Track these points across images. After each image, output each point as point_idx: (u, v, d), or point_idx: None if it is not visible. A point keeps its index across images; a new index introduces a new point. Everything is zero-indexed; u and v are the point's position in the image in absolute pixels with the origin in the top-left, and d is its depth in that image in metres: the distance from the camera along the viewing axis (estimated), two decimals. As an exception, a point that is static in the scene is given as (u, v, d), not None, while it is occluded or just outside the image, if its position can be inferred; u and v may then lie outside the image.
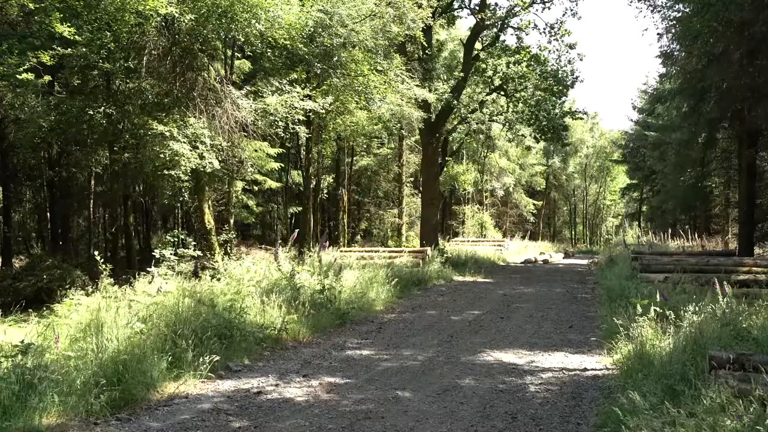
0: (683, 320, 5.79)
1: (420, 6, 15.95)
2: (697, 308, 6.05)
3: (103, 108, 11.80)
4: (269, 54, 13.53)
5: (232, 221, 16.87)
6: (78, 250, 19.55)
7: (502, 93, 23.14)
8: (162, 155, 10.94)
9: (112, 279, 6.86)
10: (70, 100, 12.11)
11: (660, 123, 30.29)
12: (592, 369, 6.29)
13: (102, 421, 4.54)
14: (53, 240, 18.46)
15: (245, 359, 6.45)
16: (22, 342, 5.29)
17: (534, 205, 44.94)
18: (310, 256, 12.04)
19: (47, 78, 11.39)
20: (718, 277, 8.07)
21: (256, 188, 22.04)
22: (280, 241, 12.10)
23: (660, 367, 5.01)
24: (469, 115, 24.30)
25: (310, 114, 14.01)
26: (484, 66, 22.20)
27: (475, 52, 22.22)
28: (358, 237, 30.43)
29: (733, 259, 11.90)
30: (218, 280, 8.68)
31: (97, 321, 5.80)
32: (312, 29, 12.73)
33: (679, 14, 14.62)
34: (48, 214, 19.85)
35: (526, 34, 22.34)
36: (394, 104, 16.06)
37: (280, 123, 12.86)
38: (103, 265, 6.76)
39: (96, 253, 7.30)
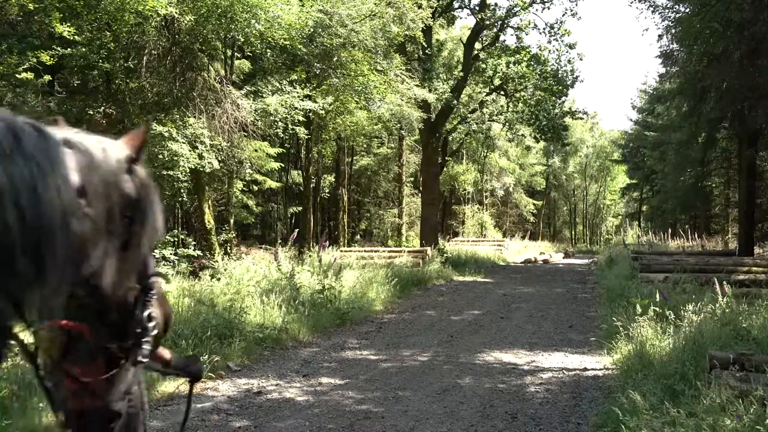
0: (683, 320, 5.80)
1: (420, 6, 15.94)
2: (696, 308, 6.05)
3: (103, 108, 11.79)
4: (269, 54, 13.52)
5: (232, 221, 16.86)
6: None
7: (502, 93, 23.15)
8: (161, 156, 10.93)
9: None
10: (71, 100, 12.10)
11: (660, 123, 30.29)
12: (592, 369, 6.29)
13: (102, 421, 4.53)
14: (53, 240, 18.45)
15: (245, 359, 6.45)
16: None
17: (534, 205, 44.92)
18: (310, 256, 12.04)
19: (47, 78, 11.37)
20: (718, 277, 8.07)
21: (256, 188, 22.03)
22: (280, 241, 12.09)
23: (660, 367, 5.01)
24: (469, 115, 24.32)
25: (310, 114, 14.01)
26: (484, 66, 22.21)
27: (475, 51, 22.23)
28: (358, 237, 30.41)
29: (733, 259, 11.90)
30: (218, 279, 8.69)
31: (97, 321, 5.80)
32: (312, 29, 12.72)
33: (679, 14, 14.61)
34: (48, 214, 19.83)
35: (526, 34, 22.38)
36: (394, 104, 16.05)
37: (280, 123, 12.85)
38: None
39: None
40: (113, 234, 1.38)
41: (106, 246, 1.36)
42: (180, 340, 5.91)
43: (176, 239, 10.48)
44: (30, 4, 9.58)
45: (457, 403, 5.07)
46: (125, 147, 1.49)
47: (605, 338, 7.11)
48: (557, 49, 21.99)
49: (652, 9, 15.50)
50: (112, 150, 1.43)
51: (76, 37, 10.25)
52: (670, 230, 24.56)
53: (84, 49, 10.73)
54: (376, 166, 31.39)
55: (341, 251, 15.14)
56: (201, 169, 11.66)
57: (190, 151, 11.07)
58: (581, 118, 30.33)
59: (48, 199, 1.03)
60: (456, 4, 22.82)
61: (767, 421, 3.24)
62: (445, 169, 27.95)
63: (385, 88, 15.16)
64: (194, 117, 11.63)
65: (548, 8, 28.73)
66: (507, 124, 23.90)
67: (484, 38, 23.15)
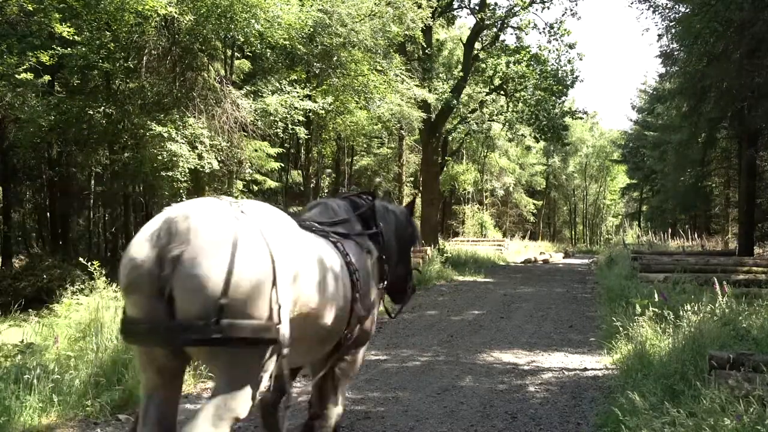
0: (683, 320, 5.79)
1: (420, 6, 15.93)
2: (696, 308, 6.04)
3: (103, 108, 11.77)
4: (269, 54, 13.51)
5: (232, 221, 16.82)
6: (78, 250, 19.53)
7: (502, 93, 23.16)
8: (160, 156, 10.92)
9: (105, 278, 6.86)
10: (70, 100, 12.07)
11: (660, 123, 30.29)
12: (592, 369, 6.29)
13: (102, 421, 4.53)
14: (53, 240, 18.44)
15: (245, 359, 6.43)
16: (22, 342, 5.30)
17: (534, 204, 44.93)
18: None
19: (47, 78, 11.36)
20: (718, 276, 8.07)
21: (256, 188, 22.03)
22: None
23: (659, 367, 5.01)
24: (469, 115, 24.33)
25: (310, 114, 14.00)
26: (483, 66, 22.22)
27: (475, 51, 22.23)
28: (358, 237, 30.37)
29: (733, 259, 11.89)
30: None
31: (97, 321, 5.80)
32: (311, 29, 12.71)
33: (679, 14, 14.60)
34: (48, 214, 19.83)
35: (526, 34, 22.41)
36: (394, 104, 16.04)
37: (280, 123, 12.84)
38: (94, 268, 6.72)
39: (81, 258, 7.31)
40: (405, 251, 4.03)
41: (402, 254, 3.96)
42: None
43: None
44: (30, 5, 9.58)
45: (457, 403, 5.07)
46: (407, 208, 4.23)
47: (605, 338, 7.11)
48: (557, 49, 22.01)
49: (652, 9, 15.50)
50: (403, 210, 4.13)
51: (75, 37, 10.25)
52: (670, 230, 24.56)
53: (84, 49, 10.73)
54: (376, 166, 31.38)
55: (341, 251, 15.05)
56: (201, 170, 11.66)
57: (189, 151, 11.06)
58: (581, 118, 30.34)
59: (399, 232, 3.95)
60: (456, 4, 22.83)
61: (767, 421, 3.24)
62: (445, 169, 27.93)
63: (385, 88, 15.15)
64: (194, 117, 11.62)
65: (548, 8, 28.74)
66: (507, 124, 23.90)
67: (484, 38, 23.15)
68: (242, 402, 2.39)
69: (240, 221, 2.33)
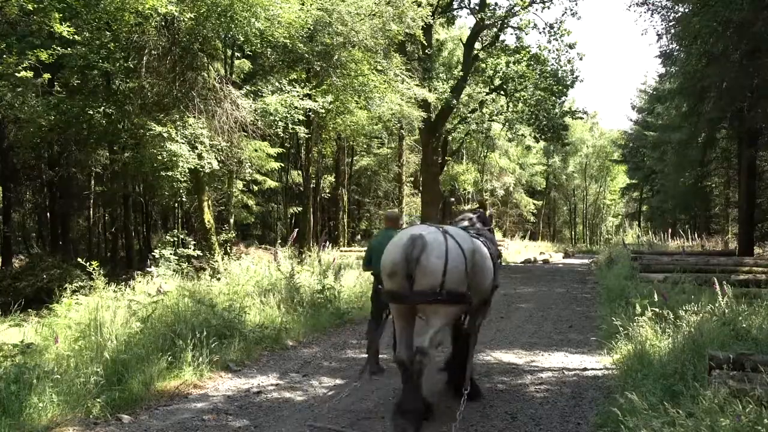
0: (682, 320, 5.79)
1: (419, 5, 15.92)
2: (696, 308, 6.04)
3: (102, 108, 11.77)
4: (269, 53, 13.51)
5: (232, 221, 16.86)
6: (78, 250, 19.54)
7: (502, 93, 23.16)
8: (160, 156, 10.92)
9: (105, 278, 6.85)
10: (70, 99, 12.06)
11: (660, 123, 30.27)
12: (591, 369, 6.29)
13: (102, 421, 4.54)
14: (53, 240, 18.46)
15: (245, 359, 6.45)
16: (22, 342, 5.30)
17: (534, 204, 44.89)
18: (309, 256, 12.05)
19: (46, 76, 11.35)
20: (717, 277, 8.04)
21: (255, 188, 22.05)
22: (279, 241, 12.07)
23: (659, 367, 5.01)
24: (469, 115, 24.33)
25: (310, 113, 13.99)
26: (483, 65, 22.22)
27: (475, 51, 22.23)
28: (358, 237, 30.41)
29: (733, 259, 11.87)
30: (218, 279, 8.69)
31: (96, 321, 5.80)
32: (312, 27, 12.71)
33: (679, 14, 14.59)
34: (48, 214, 19.85)
35: (526, 34, 22.42)
36: (394, 104, 16.03)
37: (280, 123, 12.82)
38: (93, 268, 6.70)
39: (79, 259, 7.31)
40: (495, 257, 5.28)
41: (496, 259, 5.33)
42: (179, 339, 5.91)
43: (176, 239, 10.46)
44: (30, 4, 9.57)
45: (456, 402, 5.06)
46: (491, 228, 5.96)
47: (605, 338, 7.11)
48: (557, 49, 21.99)
49: (650, 12, 15.48)
50: (487, 229, 5.75)
51: (75, 36, 10.24)
52: (670, 230, 24.49)
53: (84, 49, 10.72)
54: (376, 166, 31.35)
55: (341, 251, 15.10)
56: (200, 169, 11.65)
57: (189, 151, 11.06)
58: (581, 118, 30.34)
59: (491, 249, 5.20)
60: (456, 4, 22.85)
61: (766, 421, 3.24)
62: (445, 169, 27.92)
63: (385, 88, 15.14)
64: (194, 117, 11.62)
65: (548, 8, 28.71)
66: (507, 123, 23.91)
67: (484, 38, 23.15)
68: (446, 334, 4.87)
69: (446, 238, 4.34)
